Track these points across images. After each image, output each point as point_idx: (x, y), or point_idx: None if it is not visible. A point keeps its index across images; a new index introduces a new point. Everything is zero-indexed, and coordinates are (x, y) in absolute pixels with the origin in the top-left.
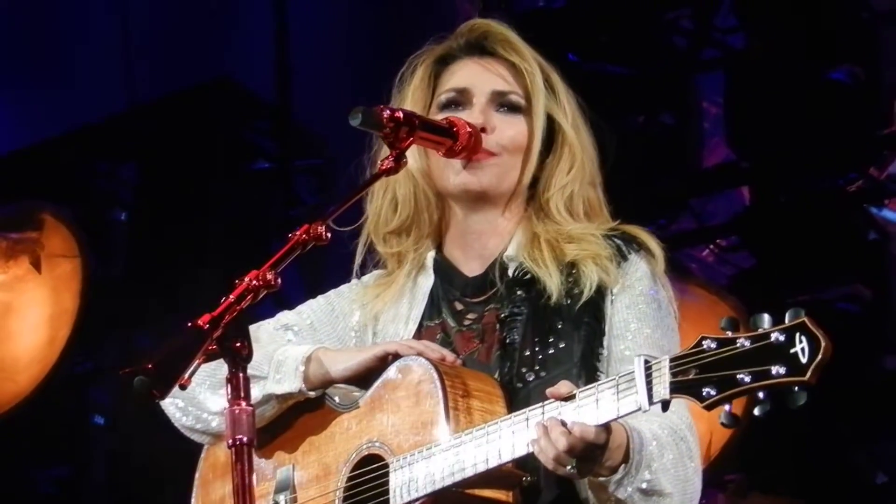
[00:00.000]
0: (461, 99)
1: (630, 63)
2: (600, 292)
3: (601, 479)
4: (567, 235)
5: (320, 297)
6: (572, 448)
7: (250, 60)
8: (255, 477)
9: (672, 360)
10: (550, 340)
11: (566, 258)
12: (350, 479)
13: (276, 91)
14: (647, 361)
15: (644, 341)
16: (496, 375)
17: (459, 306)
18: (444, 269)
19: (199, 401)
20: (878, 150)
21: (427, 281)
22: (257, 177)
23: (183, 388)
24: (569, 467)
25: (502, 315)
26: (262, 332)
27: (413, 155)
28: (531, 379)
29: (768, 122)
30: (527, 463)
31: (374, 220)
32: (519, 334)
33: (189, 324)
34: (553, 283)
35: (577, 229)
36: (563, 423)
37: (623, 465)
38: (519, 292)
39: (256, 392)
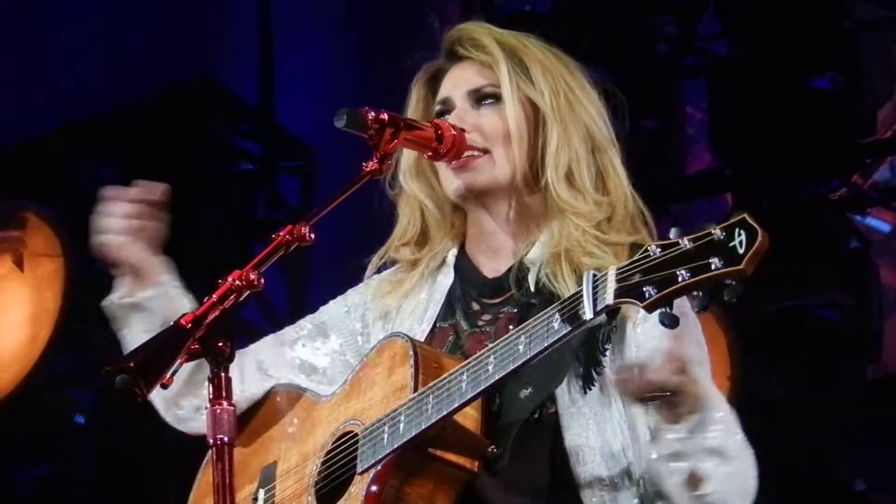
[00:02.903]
0: (446, 109)
1: (613, 68)
2: None
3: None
4: (583, 249)
5: (340, 297)
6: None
7: (234, 63)
8: (240, 479)
9: (618, 268)
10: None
11: (582, 270)
12: (324, 461)
13: (259, 93)
14: (594, 275)
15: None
16: None
17: (476, 306)
18: (464, 269)
19: None
20: (862, 159)
21: (446, 279)
22: (241, 179)
23: (165, 387)
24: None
25: (516, 319)
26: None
27: (411, 173)
28: None
29: (751, 130)
30: (495, 434)
31: (392, 240)
32: None
33: (171, 323)
34: None
35: (594, 241)
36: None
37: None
38: (534, 300)
39: None
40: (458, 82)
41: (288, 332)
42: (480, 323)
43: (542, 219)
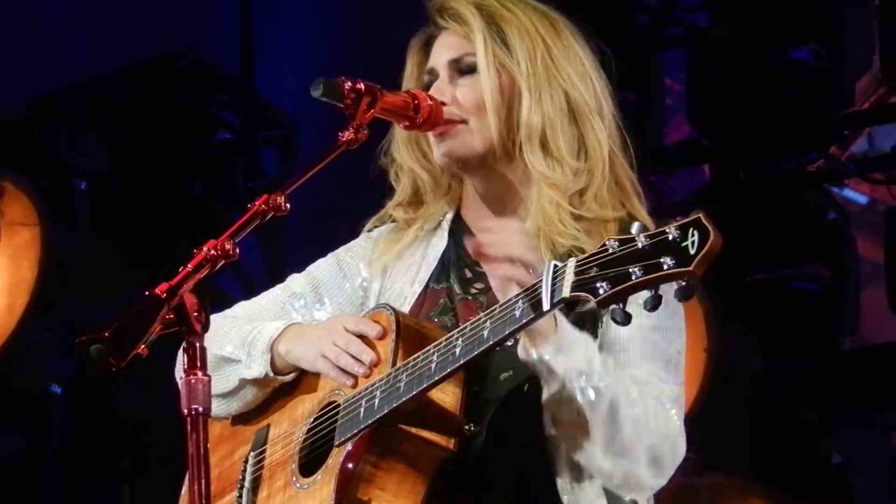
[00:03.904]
0: (433, 79)
1: (593, 39)
2: None
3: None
4: (555, 227)
5: (330, 256)
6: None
7: (214, 33)
8: (235, 441)
9: (578, 261)
10: None
11: (558, 251)
12: (310, 429)
13: (239, 64)
14: (556, 266)
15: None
16: None
17: (468, 273)
18: (459, 234)
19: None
20: (840, 130)
21: (441, 242)
22: (220, 148)
23: (139, 357)
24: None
25: None
26: (265, 301)
27: (403, 142)
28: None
29: (730, 101)
30: (471, 412)
31: (388, 207)
32: None
33: (146, 292)
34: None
35: (568, 217)
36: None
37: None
38: None
39: (234, 378)
40: (441, 52)
41: (285, 299)
42: (473, 291)
43: (524, 190)
